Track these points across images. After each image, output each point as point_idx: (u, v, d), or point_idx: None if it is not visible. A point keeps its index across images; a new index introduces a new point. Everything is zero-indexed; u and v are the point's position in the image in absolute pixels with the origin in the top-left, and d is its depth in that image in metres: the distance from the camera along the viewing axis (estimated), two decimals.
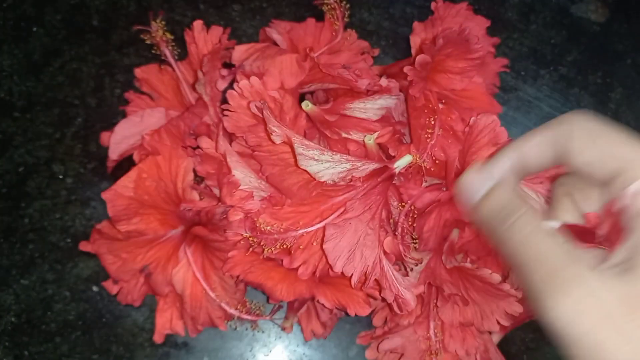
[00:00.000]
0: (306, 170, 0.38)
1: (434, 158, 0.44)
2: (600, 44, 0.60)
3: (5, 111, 0.51)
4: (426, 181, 0.46)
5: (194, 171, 0.42)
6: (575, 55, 0.60)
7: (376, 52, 0.53)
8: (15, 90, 0.52)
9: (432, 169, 0.45)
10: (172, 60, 0.47)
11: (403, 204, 0.43)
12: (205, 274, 0.44)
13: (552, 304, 0.23)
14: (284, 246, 0.39)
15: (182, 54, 0.48)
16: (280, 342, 0.50)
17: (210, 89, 0.44)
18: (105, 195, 0.40)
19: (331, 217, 0.40)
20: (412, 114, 0.47)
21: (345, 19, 0.49)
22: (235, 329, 0.48)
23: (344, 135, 0.44)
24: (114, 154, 0.45)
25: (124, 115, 0.49)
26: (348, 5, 0.49)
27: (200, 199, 0.43)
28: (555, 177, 0.31)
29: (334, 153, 0.39)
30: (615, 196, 0.25)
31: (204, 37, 0.46)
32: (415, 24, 0.49)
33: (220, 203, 0.41)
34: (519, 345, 0.52)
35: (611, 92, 0.59)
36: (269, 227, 0.39)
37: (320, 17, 0.50)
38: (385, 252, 0.40)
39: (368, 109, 0.44)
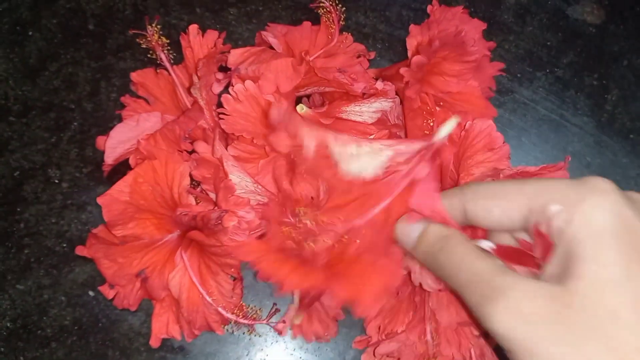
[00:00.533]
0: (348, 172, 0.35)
1: None
2: (596, 46, 0.60)
3: (0, 115, 0.51)
4: None
5: (190, 175, 0.42)
6: (571, 57, 0.60)
7: (372, 55, 0.53)
8: (11, 95, 0.52)
9: None
10: (168, 64, 0.47)
11: None
12: (201, 279, 0.44)
13: (488, 312, 0.24)
14: (325, 242, 0.37)
15: (178, 58, 0.48)
16: (277, 346, 0.50)
17: (206, 93, 0.44)
18: (101, 200, 0.40)
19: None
20: (408, 115, 0.47)
21: (341, 22, 0.49)
22: (232, 333, 0.48)
23: None
24: (109, 159, 0.45)
25: (120, 119, 0.49)
26: (344, 9, 0.49)
27: (197, 204, 0.43)
28: None
29: (370, 141, 0.36)
30: (538, 222, 0.27)
31: (199, 41, 0.46)
32: (412, 27, 0.49)
33: (216, 208, 0.40)
34: None
35: (607, 94, 0.59)
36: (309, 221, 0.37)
37: (316, 20, 0.50)
38: None
39: (364, 112, 0.44)
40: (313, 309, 0.47)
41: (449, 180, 0.44)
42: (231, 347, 0.50)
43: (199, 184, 0.43)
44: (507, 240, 0.31)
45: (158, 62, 0.47)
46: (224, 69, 0.45)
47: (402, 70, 0.43)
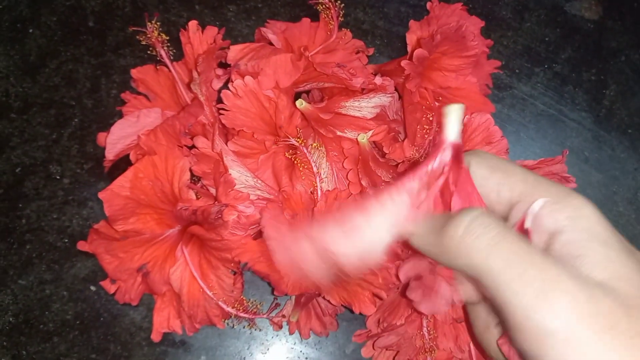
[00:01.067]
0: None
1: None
2: (594, 42, 0.61)
3: (1, 112, 0.51)
4: None
5: (190, 170, 0.42)
6: (569, 52, 0.60)
7: (371, 51, 0.54)
8: (11, 92, 0.52)
9: None
10: (167, 61, 0.47)
11: None
12: (202, 273, 0.44)
13: (545, 309, 0.23)
14: None
15: (178, 55, 0.49)
16: (278, 340, 0.50)
17: (205, 89, 0.44)
18: (102, 195, 0.40)
19: None
20: (407, 109, 0.47)
21: (340, 19, 0.49)
22: (233, 327, 0.49)
23: (338, 133, 0.45)
24: (110, 154, 0.46)
25: (120, 115, 0.49)
26: (343, 5, 0.49)
27: (197, 199, 0.43)
28: None
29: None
30: (522, 216, 0.27)
31: (199, 38, 0.46)
32: (412, 22, 0.50)
33: (216, 202, 0.41)
34: None
35: (605, 89, 0.59)
36: None
37: (315, 16, 0.50)
38: None
39: (363, 107, 0.44)
40: (310, 306, 0.47)
41: None
42: (232, 341, 0.50)
43: (199, 179, 0.43)
44: None
45: (158, 58, 0.47)
46: (223, 65, 0.45)
47: (404, 63, 0.43)
